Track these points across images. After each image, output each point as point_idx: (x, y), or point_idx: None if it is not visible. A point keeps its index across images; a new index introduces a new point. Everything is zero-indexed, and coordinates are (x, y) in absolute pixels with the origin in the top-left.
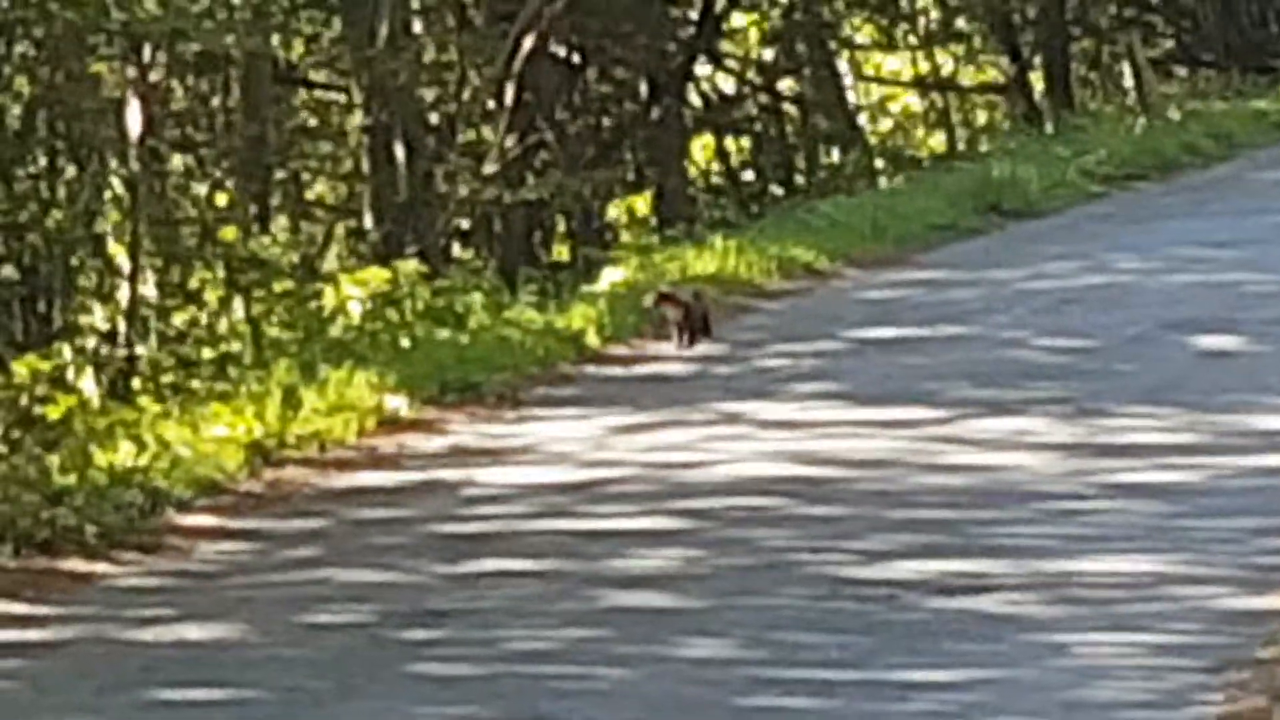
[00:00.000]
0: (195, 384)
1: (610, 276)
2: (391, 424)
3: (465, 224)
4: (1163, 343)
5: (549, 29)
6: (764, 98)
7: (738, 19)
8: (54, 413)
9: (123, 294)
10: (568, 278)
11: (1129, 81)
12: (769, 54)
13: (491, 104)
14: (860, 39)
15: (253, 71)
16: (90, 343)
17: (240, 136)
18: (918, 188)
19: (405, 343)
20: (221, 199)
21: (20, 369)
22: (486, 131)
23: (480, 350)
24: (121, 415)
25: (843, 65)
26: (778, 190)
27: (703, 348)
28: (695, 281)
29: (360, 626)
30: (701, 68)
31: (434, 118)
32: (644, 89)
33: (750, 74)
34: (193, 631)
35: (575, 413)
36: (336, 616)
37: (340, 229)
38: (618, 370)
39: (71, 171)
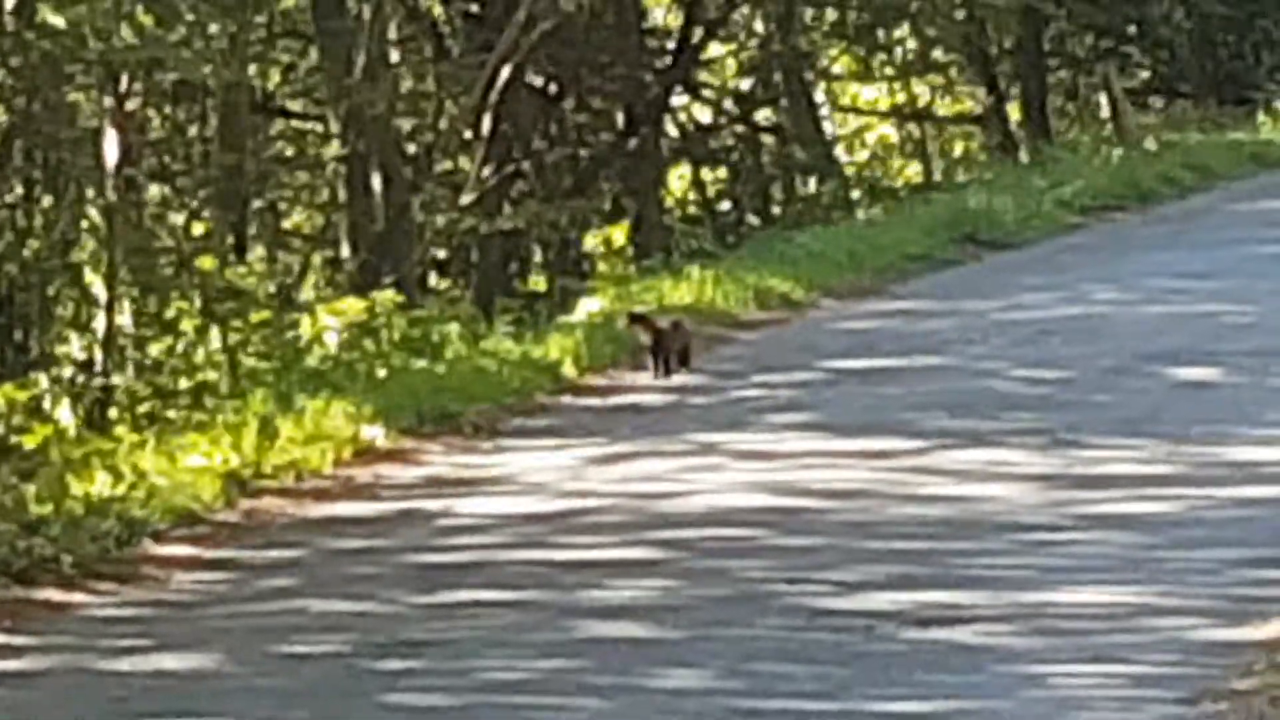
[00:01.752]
0: (172, 414)
1: (587, 307)
2: (368, 454)
3: (442, 254)
4: (1140, 374)
5: (526, 59)
6: (741, 128)
7: (715, 49)
8: (30, 442)
9: (99, 323)
10: (544, 308)
11: (1105, 112)
12: (746, 84)
13: (468, 134)
14: (837, 69)
15: (230, 101)
16: (67, 372)
17: (217, 166)
18: (894, 218)
19: (382, 373)
20: (198, 228)
21: None
22: (463, 161)
23: (457, 380)
24: (98, 445)
25: (820, 95)
26: (754, 220)
27: (680, 378)
28: (672, 312)
29: (336, 657)
30: (678, 98)
31: (411, 147)
32: (621, 119)
33: (727, 104)
34: (169, 661)
35: (552, 443)
36: (312, 647)
37: (317, 259)
38: (594, 401)
39: (48, 201)
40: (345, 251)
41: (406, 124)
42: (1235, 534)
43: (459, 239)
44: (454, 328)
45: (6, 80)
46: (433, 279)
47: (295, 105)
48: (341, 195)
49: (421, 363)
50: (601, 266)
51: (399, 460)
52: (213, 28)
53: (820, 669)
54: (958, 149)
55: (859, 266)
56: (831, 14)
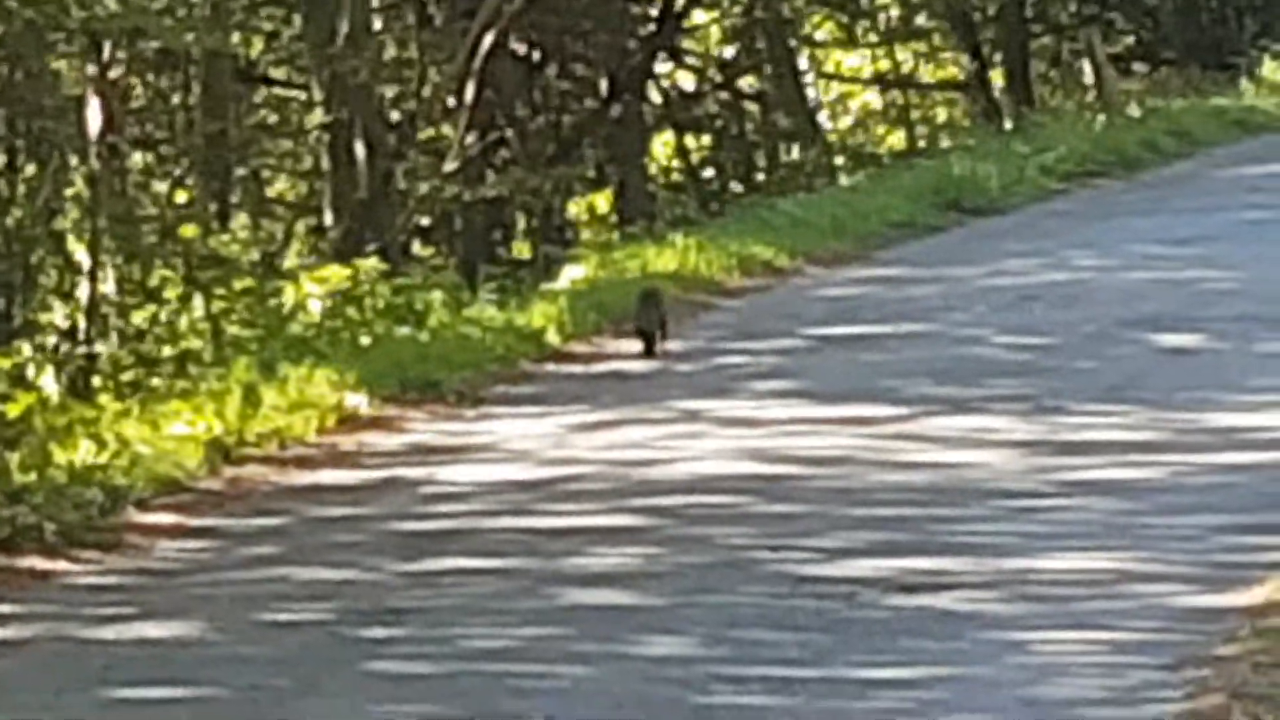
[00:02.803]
0: (155, 382)
1: (571, 274)
2: (352, 422)
3: (425, 221)
4: (1123, 340)
5: (509, 26)
6: (724, 95)
7: (698, 16)
8: (14, 410)
9: (83, 292)
10: (528, 275)
11: (1089, 78)
12: (729, 51)
13: (452, 101)
14: (820, 36)
15: (213, 69)
16: (50, 340)
17: (200, 134)
18: (878, 185)
19: (365, 340)
20: (181, 196)
21: None
22: (447, 129)
23: (440, 348)
24: (81, 413)
25: (803, 62)
26: (738, 187)
27: (665, 345)
28: (655, 279)
29: (320, 624)
30: (662, 65)
31: (394, 115)
32: (604, 86)
33: (711, 71)
34: (152, 629)
35: (535, 410)
36: (296, 614)
37: (300, 226)
38: (578, 368)
39: (31, 169)
40: (328, 219)
41: (390, 91)
42: (1218, 500)
43: (442, 206)
44: (437, 295)
45: None
46: (416, 246)
47: (278, 73)
48: (325, 163)
49: (405, 330)
50: (585, 234)
51: (382, 428)
52: None
53: (803, 636)
54: (941, 116)
55: (842, 233)
56: None
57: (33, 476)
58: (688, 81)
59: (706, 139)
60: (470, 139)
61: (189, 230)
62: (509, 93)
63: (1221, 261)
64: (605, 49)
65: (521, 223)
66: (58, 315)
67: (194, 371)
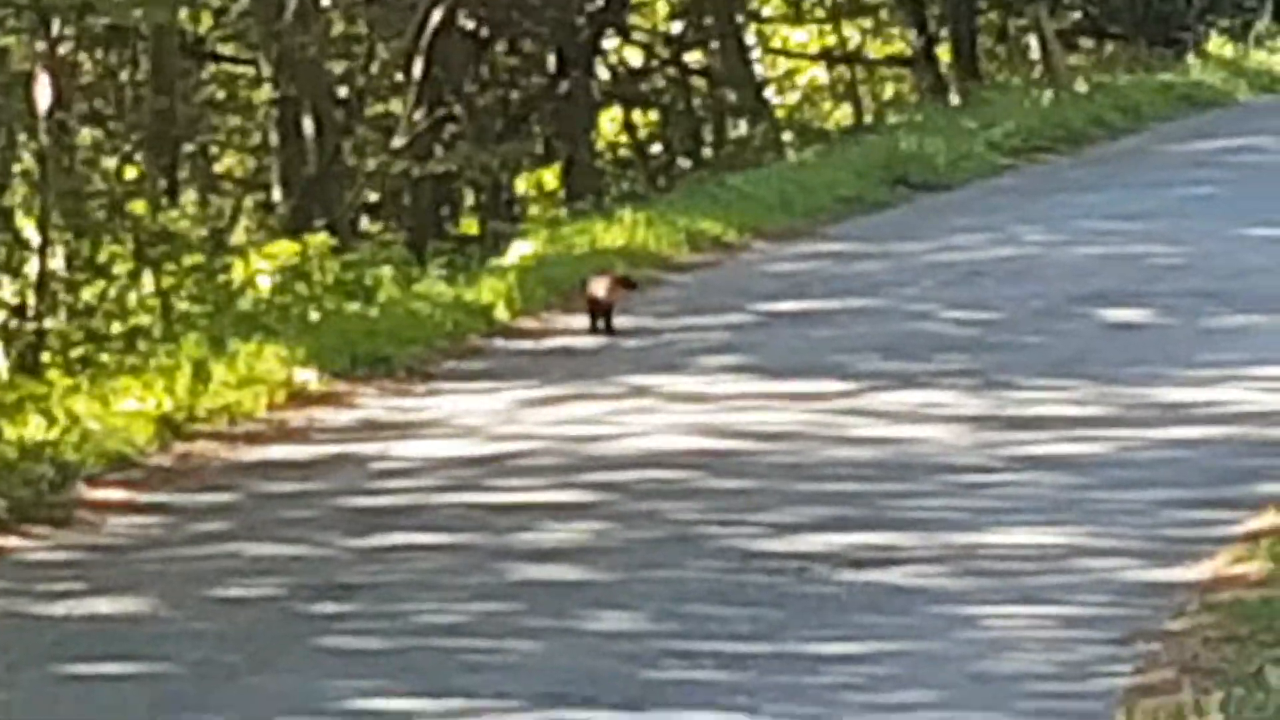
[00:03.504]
0: (105, 357)
1: (519, 250)
2: (301, 397)
3: (374, 197)
4: (1071, 315)
5: (457, 2)
6: (672, 70)
7: None
8: None
9: (32, 267)
10: (477, 251)
11: (1036, 54)
12: (677, 27)
13: (400, 77)
14: (767, 12)
15: (161, 45)
16: None
17: (149, 110)
18: (825, 160)
19: (315, 316)
20: (130, 172)
21: None
22: (395, 105)
23: (390, 323)
24: (31, 389)
25: (750, 38)
26: (685, 163)
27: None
28: (604, 255)
29: (271, 600)
30: (609, 41)
31: (342, 91)
32: (552, 62)
33: (658, 47)
34: (104, 605)
35: (485, 386)
36: (247, 590)
37: (249, 202)
38: (527, 344)
39: None
40: (277, 195)
41: (338, 67)
42: (1166, 475)
43: (391, 182)
44: (386, 271)
45: None
46: (364, 222)
47: (227, 49)
48: (273, 139)
49: (354, 306)
50: (533, 209)
51: (332, 403)
52: None
53: (753, 611)
54: (888, 91)
55: (790, 209)
56: None
57: None
58: (635, 57)
59: (654, 115)
60: (418, 115)
61: (138, 206)
62: (457, 69)
63: (1169, 237)
64: (553, 25)
65: (470, 198)
66: (6, 291)
67: (143, 347)
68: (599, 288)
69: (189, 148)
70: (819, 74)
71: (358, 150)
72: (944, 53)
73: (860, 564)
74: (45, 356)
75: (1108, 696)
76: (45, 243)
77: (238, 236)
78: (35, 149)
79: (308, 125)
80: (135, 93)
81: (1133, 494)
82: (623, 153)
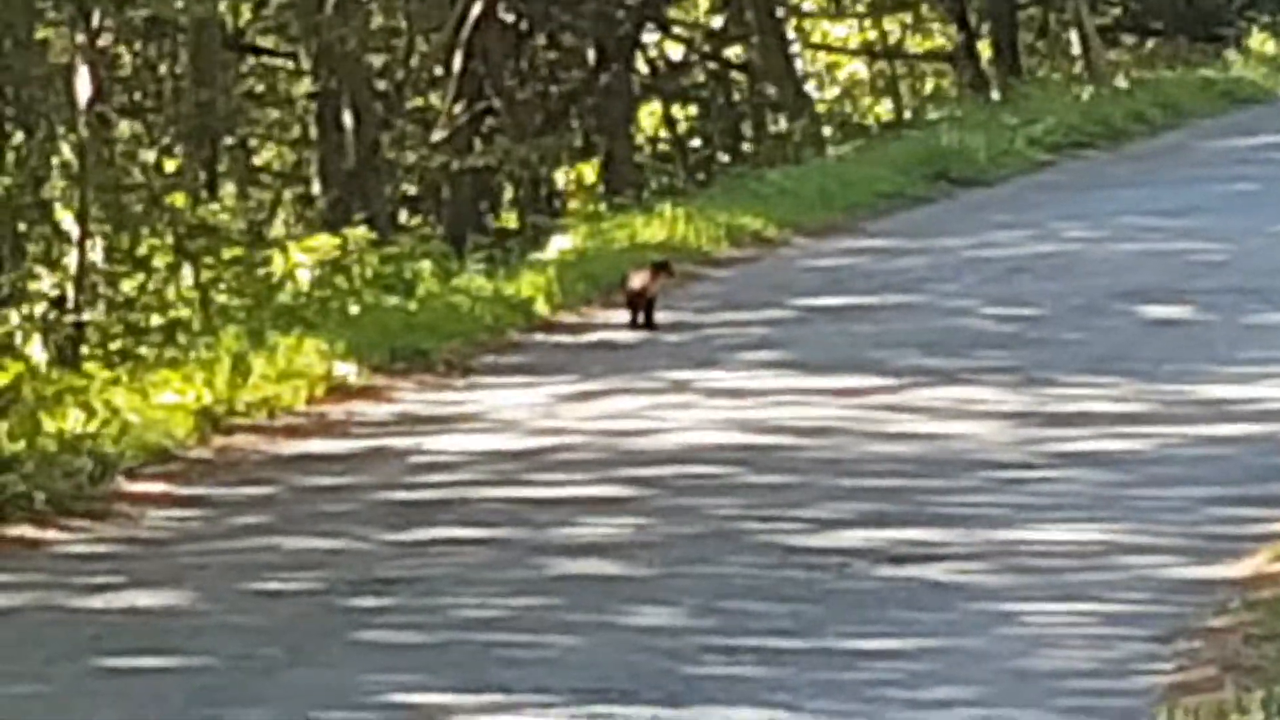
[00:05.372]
0: (144, 350)
1: (559, 244)
2: (341, 391)
3: (413, 191)
4: (1111, 312)
5: None
6: (712, 65)
7: None
8: (2, 379)
9: (71, 260)
10: (516, 245)
11: (1076, 49)
12: (717, 21)
13: (439, 70)
14: (808, 6)
15: (201, 38)
16: (39, 309)
17: (188, 103)
18: (866, 156)
19: (354, 309)
20: (170, 165)
21: None
22: (434, 98)
23: (429, 317)
24: (70, 382)
25: (790, 33)
26: (725, 158)
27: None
28: (644, 249)
29: (309, 594)
30: (649, 35)
31: (382, 84)
32: (592, 56)
33: (698, 41)
34: (142, 599)
35: (524, 380)
36: (286, 584)
37: (288, 195)
38: (566, 338)
39: (19, 137)
40: (316, 188)
41: (378, 60)
42: (1207, 472)
43: (430, 176)
44: (426, 265)
45: None
46: (403, 216)
47: (267, 42)
48: (313, 132)
49: (393, 300)
50: (572, 204)
51: (371, 397)
52: None
53: (793, 606)
54: (928, 86)
55: (830, 204)
56: None
57: (22, 445)
58: (675, 51)
59: (694, 109)
60: (458, 108)
61: (177, 199)
62: (497, 62)
63: (1209, 233)
64: (593, 18)
65: (509, 192)
66: (46, 284)
67: (183, 340)
68: (637, 281)
69: (228, 141)
70: (859, 69)
71: (397, 144)
72: (984, 48)
73: (900, 560)
74: (84, 349)
75: (1148, 694)
76: (84, 235)
77: (276, 230)
78: (75, 141)
79: (347, 118)
80: (175, 85)
81: (1173, 491)
82: (662, 147)
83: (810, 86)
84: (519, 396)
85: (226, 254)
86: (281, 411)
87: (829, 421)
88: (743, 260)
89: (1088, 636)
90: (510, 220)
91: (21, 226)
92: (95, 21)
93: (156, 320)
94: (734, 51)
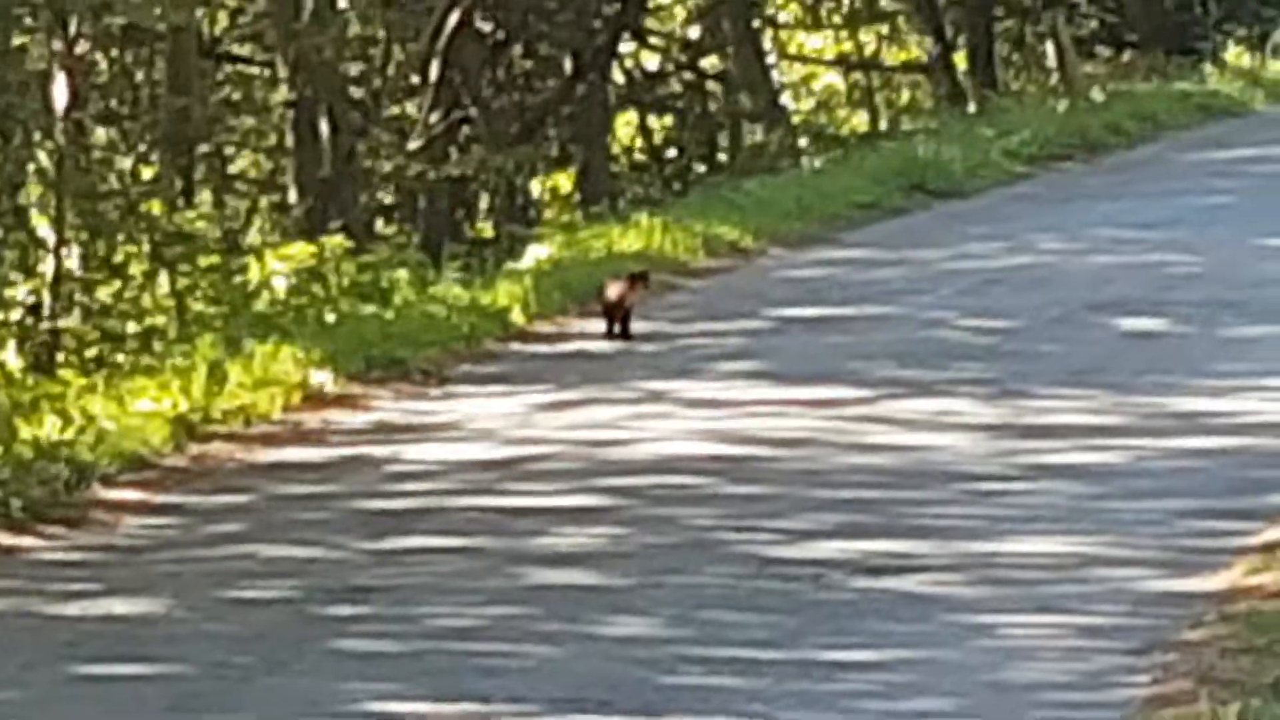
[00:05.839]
0: (120, 358)
1: (535, 253)
2: (317, 399)
3: (389, 199)
4: (1087, 324)
5: (473, 5)
6: (688, 75)
7: None
8: None
9: (47, 267)
10: (492, 254)
11: (1052, 62)
12: (694, 31)
13: (416, 79)
14: (784, 17)
15: (178, 45)
16: (14, 315)
17: (165, 110)
18: (842, 167)
19: (330, 318)
20: (146, 172)
21: None
22: (411, 107)
23: (405, 326)
24: (46, 388)
25: (766, 43)
26: (701, 168)
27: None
28: (620, 259)
29: (286, 602)
30: (626, 45)
31: (358, 93)
32: (568, 66)
33: (674, 51)
34: (118, 606)
35: (500, 389)
36: (262, 592)
37: (264, 203)
38: (543, 347)
39: None
40: (292, 196)
41: (354, 69)
42: (1183, 485)
43: (406, 184)
44: (402, 273)
45: None
46: (380, 224)
47: (243, 50)
48: (289, 140)
49: (370, 308)
50: (548, 213)
51: (347, 406)
52: None
53: (770, 617)
54: (904, 98)
55: (807, 215)
56: None
57: None
58: (652, 61)
59: (670, 119)
60: (434, 117)
61: (154, 206)
62: (473, 71)
63: (1186, 246)
64: (569, 28)
65: (485, 202)
66: (21, 290)
67: (159, 348)
68: (614, 291)
69: (205, 148)
70: (835, 80)
71: (373, 152)
72: (960, 60)
73: (877, 571)
74: (60, 356)
75: (1124, 707)
76: (60, 242)
77: (252, 237)
78: (51, 148)
79: (323, 127)
80: (152, 93)
81: (1149, 504)
82: (638, 157)
83: (786, 97)
84: (495, 406)
85: (203, 261)
86: (257, 419)
87: (805, 432)
88: (719, 270)
89: (1064, 649)
90: (486, 229)
91: None
92: (72, 29)
93: (132, 327)
94: (710, 62)
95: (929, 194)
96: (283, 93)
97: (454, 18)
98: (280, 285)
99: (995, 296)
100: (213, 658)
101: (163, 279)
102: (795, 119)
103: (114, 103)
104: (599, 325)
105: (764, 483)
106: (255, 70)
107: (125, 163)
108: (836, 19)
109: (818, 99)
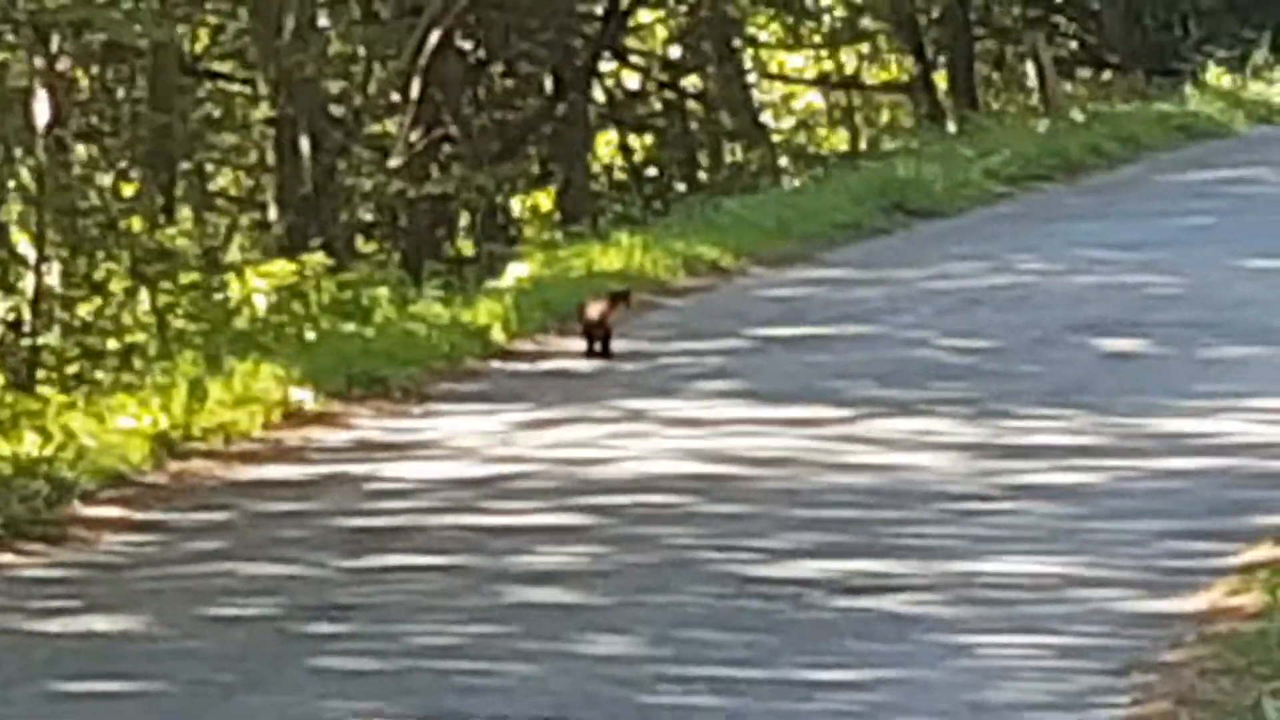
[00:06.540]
0: (100, 375)
1: (516, 272)
2: (297, 417)
3: (369, 217)
4: (1067, 344)
5: (455, 24)
6: (668, 94)
7: (643, 15)
8: None
9: (27, 284)
10: (473, 273)
11: (1033, 82)
12: (674, 51)
13: (397, 98)
14: (765, 36)
15: (159, 62)
16: None
17: (146, 127)
18: (823, 186)
19: (311, 336)
20: (127, 189)
21: None
22: (391, 125)
23: (386, 344)
24: (26, 405)
25: (747, 63)
26: (681, 187)
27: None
28: (601, 278)
29: (265, 620)
30: (606, 64)
31: (339, 110)
32: (549, 84)
33: (655, 70)
34: (98, 623)
35: (481, 408)
36: (242, 610)
37: (245, 221)
38: (523, 366)
39: None
40: (273, 214)
41: (335, 87)
42: (1163, 505)
43: (387, 202)
44: (383, 291)
45: None
46: (360, 242)
47: (224, 67)
48: (270, 157)
49: (350, 326)
50: (529, 232)
51: (328, 423)
52: None
53: (749, 636)
54: (884, 118)
55: (787, 234)
56: None
57: None
58: (632, 80)
59: (650, 138)
60: (415, 135)
61: (134, 223)
62: (454, 90)
63: (1166, 267)
64: (550, 47)
65: (465, 220)
66: (1, 307)
67: (139, 365)
68: (595, 310)
69: (185, 165)
70: (816, 99)
71: (354, 170)
72: (941, 79)
73: (856, 591)
74: (40, 373)
75: None
76: (41, 259)
77: (233, 255)
78: (32, 165)
79: (304, 144)
80: (132, 110)
81: (1129, 524)
82: (619, 176)
83: (767, 116)
84: (475, 424)
85: (183, 279)
86: (238, 437)
87: (785, 451)
88: (699, 289)
89: (1043, 669)
90: (467, 248)
91: None
92: (53, 46)
93: (113, 344)
94: (691, 81)
95: (909, 213)
96: (264, 110)
97: (435, 36)
98: (261, 303)
99: (975, 316)
100: (193, 675)
101: (143, 296)
102: (776, 138)
103: (95, 119)
104: (579, 344)
105: (744, 502)
106: (236, 87)
107: (106, 179)
108: (817, 38)
109: (798, 118)
